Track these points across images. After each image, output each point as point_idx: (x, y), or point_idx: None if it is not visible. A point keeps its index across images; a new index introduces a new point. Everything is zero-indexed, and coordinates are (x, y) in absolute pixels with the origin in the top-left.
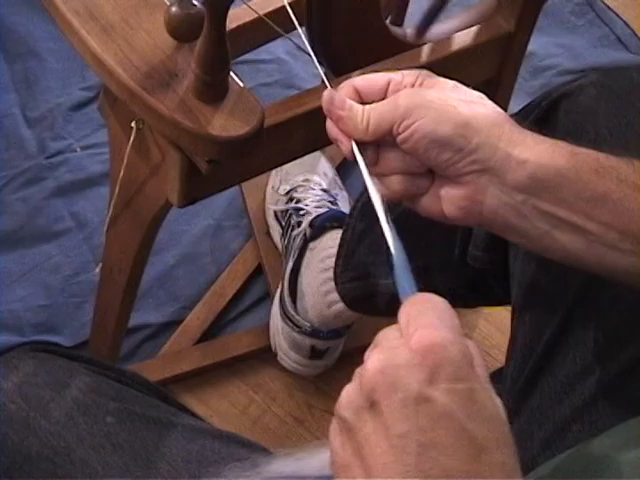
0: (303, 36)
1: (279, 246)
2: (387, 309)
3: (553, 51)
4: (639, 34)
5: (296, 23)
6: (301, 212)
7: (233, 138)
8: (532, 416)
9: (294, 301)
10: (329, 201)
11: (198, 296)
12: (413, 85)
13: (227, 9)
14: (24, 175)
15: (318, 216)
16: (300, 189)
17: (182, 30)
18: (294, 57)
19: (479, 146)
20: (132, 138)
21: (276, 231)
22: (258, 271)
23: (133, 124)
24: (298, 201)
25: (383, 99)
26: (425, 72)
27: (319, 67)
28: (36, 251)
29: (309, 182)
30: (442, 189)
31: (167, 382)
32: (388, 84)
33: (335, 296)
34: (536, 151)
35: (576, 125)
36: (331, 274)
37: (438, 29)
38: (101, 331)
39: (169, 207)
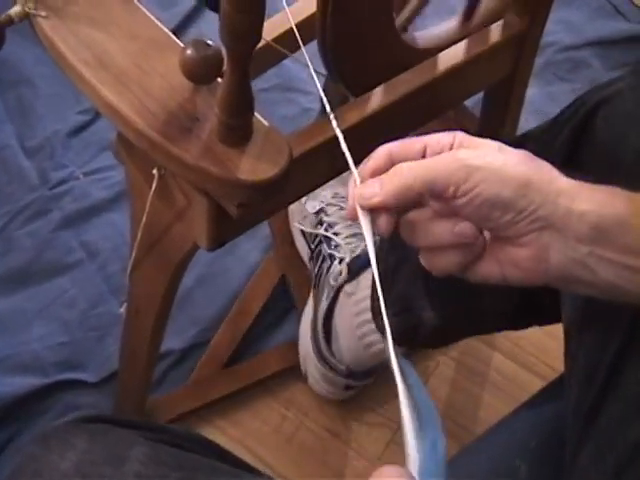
0: (308, 60)
1: (305, 261)
2: (431, 339)
3: (551, 28)
4: (635, 1)
5: (303, 49)
6: (332, 243)
7: (263, 182)
8: (601, 440)
9: (329, 343)
10: (359, 225)
11: (219, 317)
12: (452, 147)
13: (250, 52)
14: (29, 208)
15: (355, 258)
16: (330, 209)
17: (200, 73)
18: (291, 59)
19: (541, 205)
20: (154, 186)
21: (304, 251)
22: (281, 283)
23: (155, 171)
24: (329, 226)
25: None
26: (461, 133)
27: (324, 97)
28: (49, 286)
29: (337, 197)
30: (501, 252)
31: (197, 409)
32: (424, 149)
33: (372, 338)
34: (595, 201)
35: (616, 132)
36: (366, 316)
37: (444, 27)
38: (130, 369)
39: (196, 249)
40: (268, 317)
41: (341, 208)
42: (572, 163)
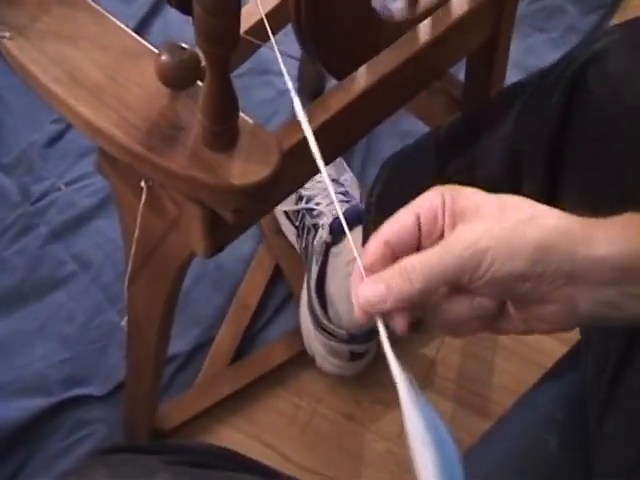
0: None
1: (295, 245)
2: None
3: None
4: None
5: (272, 40)
6: (314, 212)
7: (256, 184)
8: (625, 407)
9: (325, 310)
10: (340, 192)
11: (219, 314)
12: (444, 208)
13: (229, 55)
14: (14, 226)
15: (336, 219)
16: (308, 183)
17: (177, 78)
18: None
19: (559, 264)
20: (144, 198)
21: (290, 231)
22: (276, 272)
23: (142, 184)
24: (309, 199)
25: (419, 239)
26: (444, 188)
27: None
28: (45, 303)
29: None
30: (525, 312)
31: (209, 410)
32: (418, 219)
33: None
34: (612, 241)
35: (610, 92)
36: None
37: None
38: (137, 381)
39: (193, 257)
40: (268, 308)
41: (319, 182)
42: (566, 127)
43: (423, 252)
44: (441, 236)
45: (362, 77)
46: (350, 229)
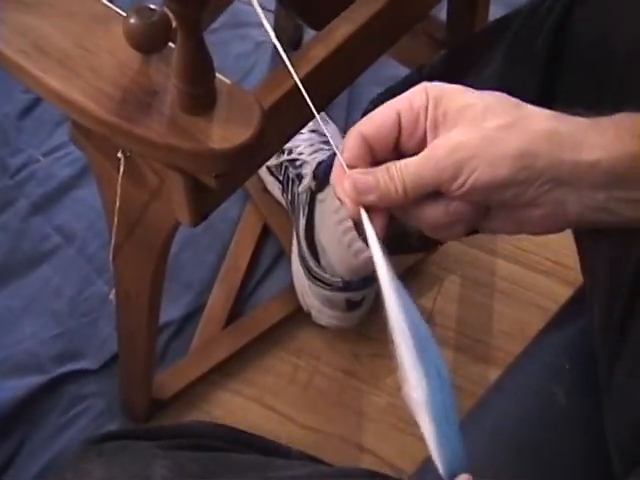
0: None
1: (282, 201)
2: (419, 245)
3: None
4: None
5: None
6: (297, 163)
7: (239, 147)
8: (636, 353)
9: (317, 259)
10: (322, 142)
11: (210, 278)
12: (427, 108)
13: (201, 14)
14: None
15: (319, 164)
16: None
17: (148, 42)
18: None
19: (544, 169)
20: (122, 169)
21: (275, 187)
22: (265, 231)
23: (119, 154)
24: (290, 151)
25: (398, 139)
26: (431, 88)
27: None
28: (31, 279)
29: (304, 132)
30: (514, 214)
31: (206, 375)
32: (399, 118)
33: (360, 244)
34: (603, 146)
35: (599, 37)
36: (350, 223)
37: None
38: (130, 353)
39: (178, 226)
40: (259, 268)
41: (300, 133)
42: (557, 65)
43: (407, 160)
44: (422, 139)
45: (341, 26)
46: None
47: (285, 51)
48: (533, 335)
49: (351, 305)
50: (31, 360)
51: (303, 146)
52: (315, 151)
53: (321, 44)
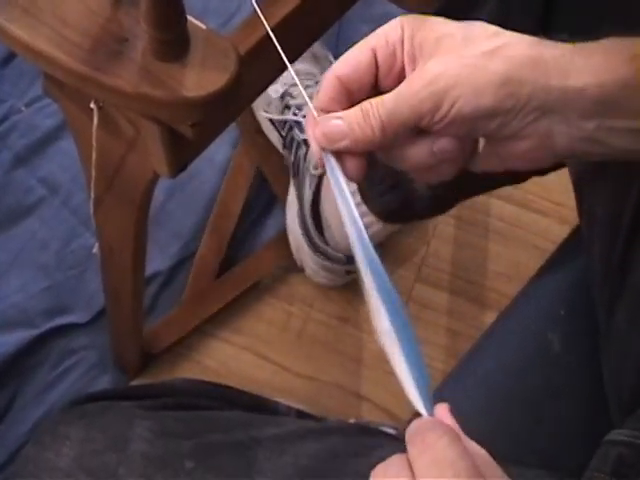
0: None
1: (277, 146)
2: (429, 210)
3: None
4: None
5: None
6: (304, 126)
7: (214, 93)
8: (637, 296)
9: (321, 232)
10: None
11: (199, 226)
12: (403, 41)
13: None
14: None
15: None
16: (295, 91)
17: None
18: None
19: (530, 96)
20: (96, 120)
21: (274, 137)
22: (256, 176)
23: (92, 105)
24: (297, 109)
25: (376, 77)
26: (406, 20)
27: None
28: (16, 232)
29: (300, 75)
30: (500, 148)
31: (199, 327)
32: (374, 56)
33: (366, 220)
34: (591, 71)
35: None
36: (356, 199)
37: None
38: (117, 307)
39: (158, 178)
40: (251, 215)
41: (306, 87)
42: (552, 3)
43: (383, 96)
44: (401, 73)
45: None
46: None
47: None
48: (529, 276)
49: (349, 272)
50: (19, 315)
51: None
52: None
53: None
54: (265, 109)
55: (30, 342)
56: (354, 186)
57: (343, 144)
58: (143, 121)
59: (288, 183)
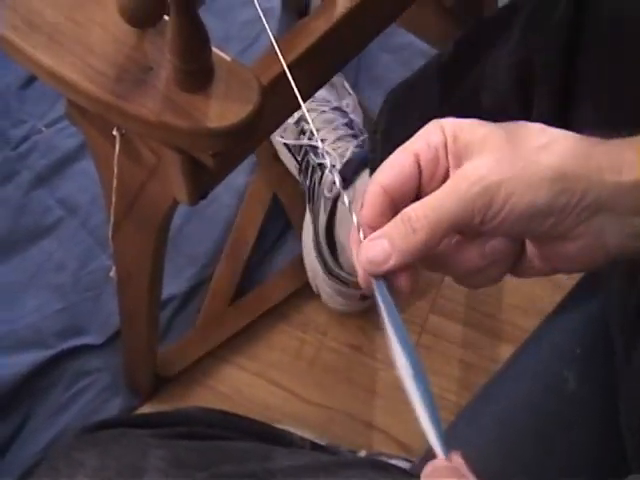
0: None
1: (293, 173)
2: None
3: None
4: None
5: None
6: (319, 151)
7: (236, 125)
8: None
9: (335, 256)
10: (345, 123)
11: (215, 250)
12: (446, 145)
13: None
14: None
15: (347, 162)
16: (310, 115)
17: (142, 15)
18: None
19: (586, 191)
20: (118, 147)
21: (291, 164)
22: (272, 201)
23: (115, 132)
24: (312, 134)
25: (419, 183)
26: (447, 123)
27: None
28: (34, 253)
29: (316, 100)
30: (548, 251)
31: (212, 352)
32: (417, 162)
33: None
34: None
35: (621, 5)
36: None
37: None
38: (132, 330)
39: (177, 205)
40: (266, 241)
41: (322, 112)
42: (577, 42)
43: (426, 197)
44: (445, 178)
45: None
46: (359, 173)
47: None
48: (544, 309)
49: (365, 297)
50: (34, 335)
51: (326, 130)
52: (338, 138)
53: (323, 16)
54: (281, 134)
55: (44, 363)
56: None
57: (390, 265)
58: (164, 149)
59: (304, 210)
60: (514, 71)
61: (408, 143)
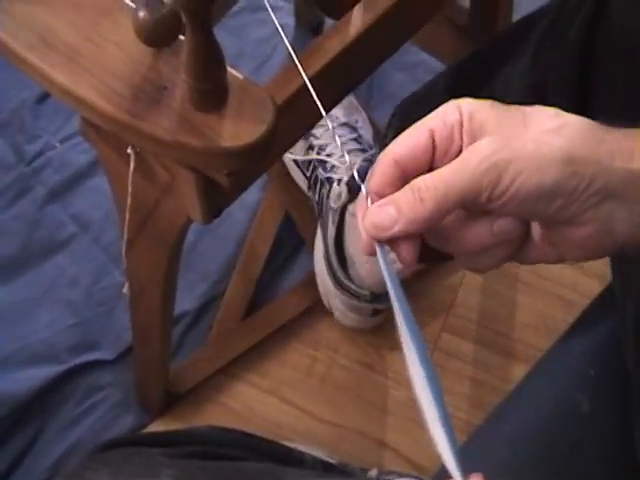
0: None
1: (304, 189)
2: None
3: None
4: None
5: None
6: (327, 165)
7: (251, 144)
8: None
9: (346, 270)
10: (353, 138)
11: (227, 267)
12: (462, 123)
13: (210, 7)
14: (9, 189)
15: (352, 177)
16: (318, 131)
17: (157, 36)
18: None
19: (594, 177)
20: (132, 165)
21: (300, 180)
22: (284, 218)
23: (129, 150)
24: (320, 149)
25: (432, 159)
26: (462, 101)
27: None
28: (47, 268)
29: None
30: (555, 235)
31: (224, 369)
32: (432, 138)
33: (392, 256)
34: None
35: (635, 24)
36: None
37: None
38: (145, 346)
39: (191, 223)
40: (278, 258)
41: (329, 128)
42: (591, 57)
43: (437, 170)
44: (458, 155)
45: (360, 16)
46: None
47: (305, 34)
48: (556, 328)
49: (377, 312)
50: (47, 350)
51: (333, 145)
52: (347, 152)
53: (337, 35)
54: (290, 150)
55: (56, 377)
56: None
57: (394, 231)
58: (179, 168)
59: (316, 227)
60: (525, 91)
61: (425, 119)
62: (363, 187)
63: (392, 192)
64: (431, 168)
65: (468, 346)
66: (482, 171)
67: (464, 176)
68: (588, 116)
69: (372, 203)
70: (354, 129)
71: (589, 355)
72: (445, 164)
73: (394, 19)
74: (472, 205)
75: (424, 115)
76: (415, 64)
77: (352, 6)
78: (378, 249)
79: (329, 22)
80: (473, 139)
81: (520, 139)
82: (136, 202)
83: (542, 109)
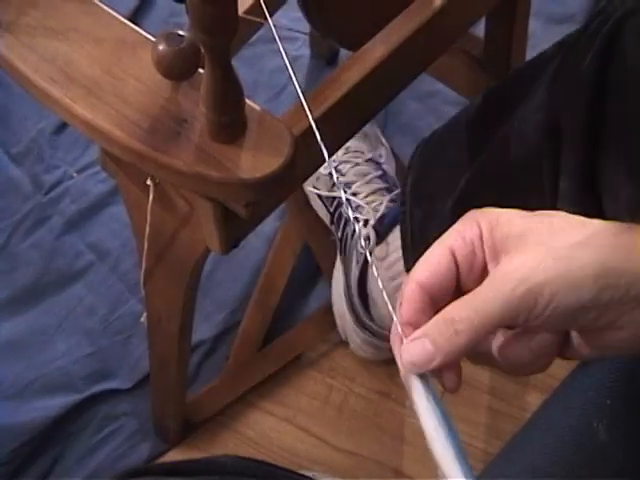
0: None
1: (325, 221)
2: None
3: None
4: None
5: (270, 21)
6: (353, 204)
7: (269, 176)
8: None
9: (367, 309)
10: (378, 175)
11: (244, 296)
12: (482, 238)
13: (229, 44)
14: (27, 219)
15: (381, 218)
16: (344, 168)
17: (177, 69)
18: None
19: (630, 284)
20: (151, 196)
21: (322, 213)
22: (302, 248)
23: (149, 182)
24: (345, 186)
25: (457, 280)
26: (479, 213)
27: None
28: (64, 297)
29: (350, 152)
30: (594, 339)
31: (241, 398)
32: (454, 258)
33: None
34: None
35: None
36: (402, 280)
37: None
38: (162, 375)
39: (209, 253)
40: (295, 288)
41: (355, 165)
42: (604, 92)
43: (467, 296)
44: (483, 271)
45: (376, 48)
46: (392, 228)
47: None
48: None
49: None
50: (64, 379)
51: (359, 183)
52: (372, 192)
53: (354, 67)
54: (314, 184)
55: (73, 406)
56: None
57: (434, 365)
58: (197, 199)
59: (334, 258)
60: (542, 125)
61: (444, 237)
62: (395, 317)
63: (423, 318)
64: (457, 284)
65: (484, 374)
66: (517, 298)
67: (498, 304)
68: (603, 152)
69: (404, 333)
70: (378, 165)
71: (605, 384)
72: (471, 279)
73: (410, 51)
74: (509, 326)
75: (445, 158)
76: (430, 94)
77: (368, 40)
78: (418, 382)
79: (343, 53)
80: (496, 253)
81: (550, 257)
82: (155, 232)
83: (567, 217)
